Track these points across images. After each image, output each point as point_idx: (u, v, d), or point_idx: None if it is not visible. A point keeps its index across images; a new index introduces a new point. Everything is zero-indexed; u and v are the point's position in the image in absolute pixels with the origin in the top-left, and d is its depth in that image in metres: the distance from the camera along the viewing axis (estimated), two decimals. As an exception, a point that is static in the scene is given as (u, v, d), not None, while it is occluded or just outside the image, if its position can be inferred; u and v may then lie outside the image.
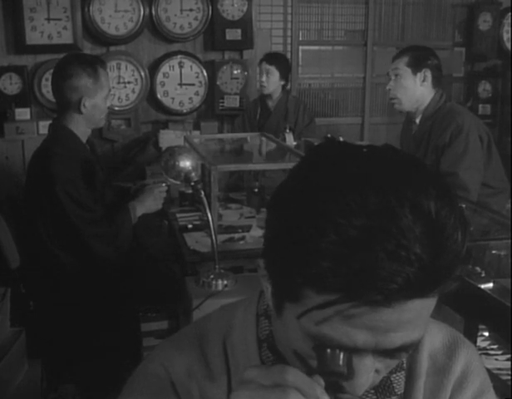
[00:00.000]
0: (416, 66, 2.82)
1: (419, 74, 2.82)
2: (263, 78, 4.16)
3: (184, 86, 4.78)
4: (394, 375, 0.81)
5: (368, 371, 0.68)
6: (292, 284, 0.66)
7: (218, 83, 4.81)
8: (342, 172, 0.65)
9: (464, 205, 2.36)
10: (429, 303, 0.66)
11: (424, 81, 2.83)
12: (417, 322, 0.66)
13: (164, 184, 2.89)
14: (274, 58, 4.20)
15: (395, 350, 0.67)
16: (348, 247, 0.60)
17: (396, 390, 0.81)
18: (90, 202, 2.60)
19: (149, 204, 2.79)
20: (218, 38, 4.73)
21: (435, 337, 0.88)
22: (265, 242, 0.72)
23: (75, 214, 2.54)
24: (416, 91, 2.84)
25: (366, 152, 0.69)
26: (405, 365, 0.83)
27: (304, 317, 0.66)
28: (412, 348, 0.69)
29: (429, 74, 2.82)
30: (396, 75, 2.86)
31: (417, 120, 2.92)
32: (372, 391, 0.80)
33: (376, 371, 0.71)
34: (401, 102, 2.89)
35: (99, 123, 2.76)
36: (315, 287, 0.64)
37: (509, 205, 2.91)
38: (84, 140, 2.70)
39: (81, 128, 2.66)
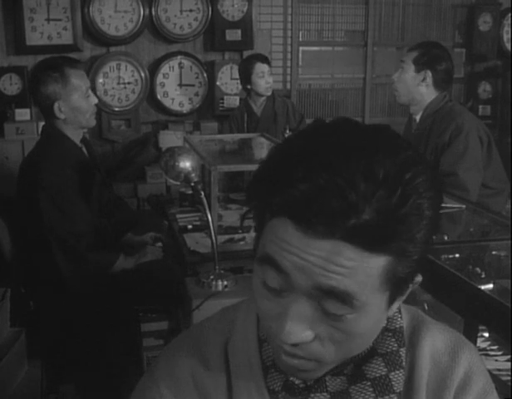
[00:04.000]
0: (419, 65, 2.82)
1: (420, 73, 2.83)
2: (270, 79, 4.09)
3: (184, 87, 4.78)
4: (392, 373, 0.82)
5: (299, 317, 0.69)
6: (257, 217, 0.74)
7: (218, 84, 4.81)
8: (305, 140, 0.72)
9: (464, 206, 2.36)
10: (368, 260, 0.67)
11: (423, 81, 2.83)
12: (351, 272, 0.67)
13: (159, 243, 2.89)
14: (266, 58, 4.16)
15: (326, 292, 0.67)
16: (292, 182, 0.66)
17: (395, 388, 0.81)
18: (75, 214, 2.57)
19: (141, 261, 2.74)
20: (218, 39, 4.74)
21: (436, 338, 0.88)
22: (247, 192, 0.77)
23: (53, 219, 2.51)
24: (413, 87, 2.85)
25: (329, 126, 0.74)
26: (404, 363, 0.83)
27: (259, 245, 0.73)
28: (349, 304, 0.68)
29: (429, 75, 2.82)
30: (402, 68, 2.88)
31: (417, 118, 2.93)
32: (371, 390, 0.80)
33: (319, 337, 0.71)
34: (399, 95, 2.94)
35: (87, 123, 2.69)
36: (269, 211, 0.70)
37: (509, 206, 2.91)
38: (77, 140, 2.69)
39: (71, 129, 2.65)
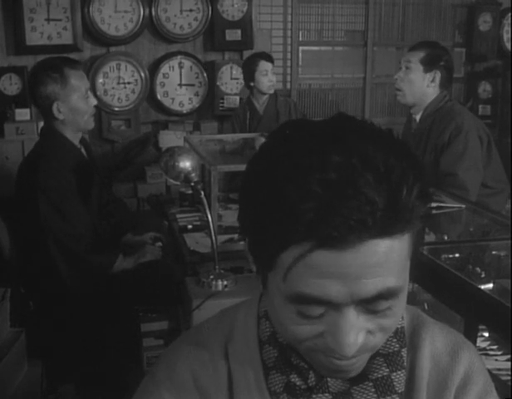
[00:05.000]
0: (428, 65, 2.81)
1: (429, 74, 2.81)
2: (273, 77, 4.12)
3: (184, 87, 4.78)
4: (394, 373, 0.82)
5: (353, 328, 0.69)
6: (264, 251, 0.71)
7: (218, 83, 4.81)
8: (301, 140, 0.70)
9: (463, 205, 2.36)
10: (395, 245, 0.67)
11: (432, 81, 2.82)
12: (387, 266, 0.67)
13: (159, 243, 2.88)
14: (270, 57, 4.18)
15: (372, 299, 0.68)
16: (308, 198, 0.64)
17: (397, 388, 0.82)
18: (73, 215, 2.56)
19: (141, 260, 2.74)
20: (218, 39, 4.74)
21: (436, 337, 0.88)
22: (239, 221, 0.75)
23: (52, 221, 2.51)
24: (421, 88, 2.84)
25: (322, 123, 0.73)
26: (405, 363, 0.84)
27: (280, 280, 0.69)
28: (393, 297, 0.70)
29: (438, 75, 2.82)
30: (407, 68, 2.85)
31: (417, 118, 2.92)
32: (373, 390, 0.80)
33: (370, 332, 0.72)
34: (404, 95, 2.89)
35: (86, 125, 2.68)
36: (280, 244, 0.68)
37: (509, 206, 2.91)
38: (76, 142, 2.68)
39: (70, 131, 2.64)
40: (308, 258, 0.66)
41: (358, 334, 0.70)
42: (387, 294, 0.69)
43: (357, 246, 0.65)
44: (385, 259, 0.67)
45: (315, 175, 0.65)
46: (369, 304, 0.69)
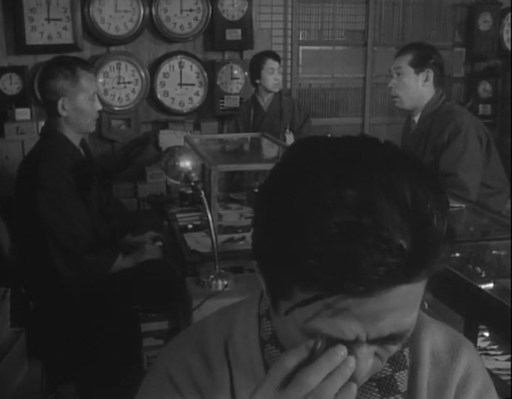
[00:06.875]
0: (418, 66, 2.81)
1: (421, 74, 2.81)
2: (279, 76, 4.17)
3: (184, 86, 4.78)
4: (397, 373, 0.82)
5: (365, 357, 0.69)
6: (281, 283, 0.69)
7: (218, 83, 4.81)
8: (318, 168, 0.66)
9: (464, 205, 2.36)
10: (415, 289, 0.67)
11: (426, 80, 2.82)
12: (405, 308, 0.67)
13: (159, 243, 2.88)
14: (277, 56, 4.21)
15: (387, 338, 0.68)
16: (329, 243, 0.62)
17: (400, 388, 0.82)
18: (73, 215, 2.56)
19: (140, 259, 2.73)
20: (218, 38, 4.74)
21: (436, 336, 0.89)
22: (253, 242, 0.73)
23: (51, 220, 2.51)
24: (417, 90, 2.84)
25: (341, 145, 0.70)
26: (408, 363, 0.84)
27: (295, 313, 0.68)
28: (405, 335, 0.69)
29: (431, 74, 2.81)
30: (399, 74, 2.85)
31: (416, 119, 2.92)
32: (377, 390, 0.81)
33: (377, 355, 0.72)
34: (402, 101, 2.88)
35: (87, 128, 2.69)
36: (300, 284, 0.66)
37: (509, 205, 2.91)
38: (76, 143, 2.68)
39: (71, 132, 2.64)
40: (331, 305, 0.65)
41: (368, 361, 0.70)
42: (401, 334, 0.69)
43: (381, 294, 0.64)
44: (404, 302, 0.66)
45: (333, 217, 0.62)
46: (381, 340, 0.69)
